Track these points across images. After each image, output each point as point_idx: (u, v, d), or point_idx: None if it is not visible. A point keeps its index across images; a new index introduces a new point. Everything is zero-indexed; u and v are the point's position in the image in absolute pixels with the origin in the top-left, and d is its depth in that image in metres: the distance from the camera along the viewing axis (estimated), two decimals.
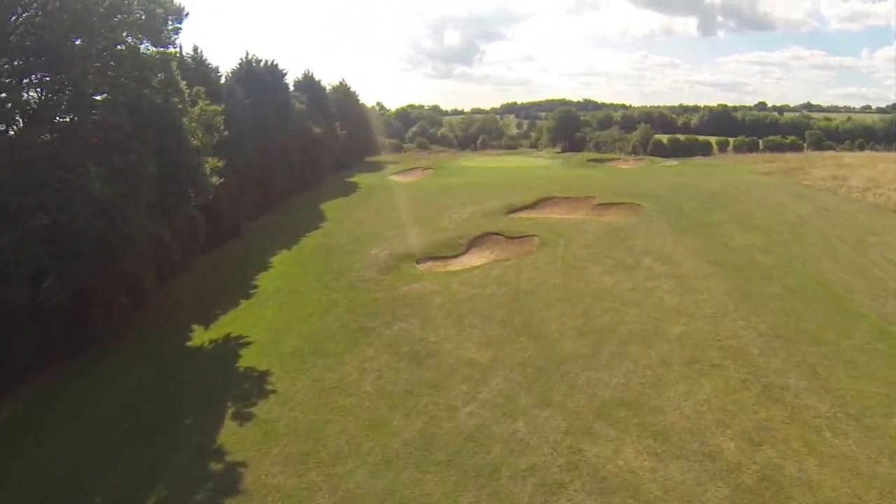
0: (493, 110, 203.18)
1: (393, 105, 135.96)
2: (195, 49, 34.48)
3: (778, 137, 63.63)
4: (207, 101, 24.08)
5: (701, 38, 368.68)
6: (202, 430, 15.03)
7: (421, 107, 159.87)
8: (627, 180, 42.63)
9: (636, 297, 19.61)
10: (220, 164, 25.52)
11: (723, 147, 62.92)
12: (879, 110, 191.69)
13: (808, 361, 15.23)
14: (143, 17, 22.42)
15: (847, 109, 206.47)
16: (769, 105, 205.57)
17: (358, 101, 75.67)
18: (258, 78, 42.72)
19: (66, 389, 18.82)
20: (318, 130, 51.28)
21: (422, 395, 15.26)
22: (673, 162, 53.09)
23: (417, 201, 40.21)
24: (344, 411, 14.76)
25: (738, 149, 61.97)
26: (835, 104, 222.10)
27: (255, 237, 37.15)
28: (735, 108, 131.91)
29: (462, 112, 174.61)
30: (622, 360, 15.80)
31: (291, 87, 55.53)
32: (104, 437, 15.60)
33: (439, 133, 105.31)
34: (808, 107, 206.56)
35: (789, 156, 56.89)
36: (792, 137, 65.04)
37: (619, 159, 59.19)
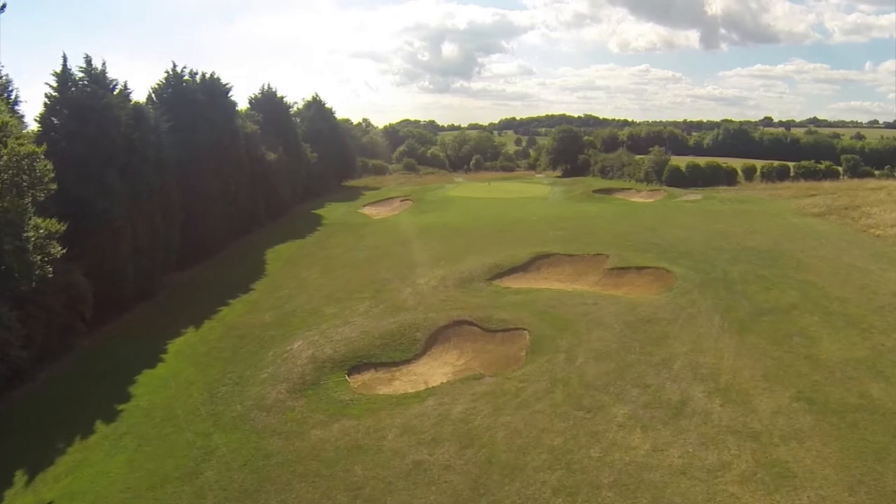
0: (492, 125, 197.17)
1: (388, 120, 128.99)
2: (88, 62, 26.40)
3: (811, 163, 55.28)
4: (21, 141, 15.99)
5: (703, 51, 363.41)
6: None
7: (417, 122, 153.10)
8: (645, 223, 34.36)
9: (692, 496, 11.23)
10: (62, 226, 17.45)
11: (748, 174, 54.55)
12: (888, 125, 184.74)
13: None
14: None
15: (854, 124, 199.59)
16: (775, 120, 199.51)
17: (334, 118, 67.43)
18: (189, 96, 34.28)
19: None
20: (272, 156, 43.06)
21: None
22: (696, 195, 44.69)
23: (380, 252, 32.02)
24: None
25: (767, 176, 53.64)
26: (841, 118, 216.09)
27: (169, 302, 28.87)
28: (744, 124, 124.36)
29: (459, 127, 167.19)
30: None
31: (246, 106, 47.72)
32: None
33: (429, 153, 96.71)
34: (815, 122, 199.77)
35: (829, 185, 48.65)
36: (827, 162, 56.79)
37: (631, 189, 50.95)
